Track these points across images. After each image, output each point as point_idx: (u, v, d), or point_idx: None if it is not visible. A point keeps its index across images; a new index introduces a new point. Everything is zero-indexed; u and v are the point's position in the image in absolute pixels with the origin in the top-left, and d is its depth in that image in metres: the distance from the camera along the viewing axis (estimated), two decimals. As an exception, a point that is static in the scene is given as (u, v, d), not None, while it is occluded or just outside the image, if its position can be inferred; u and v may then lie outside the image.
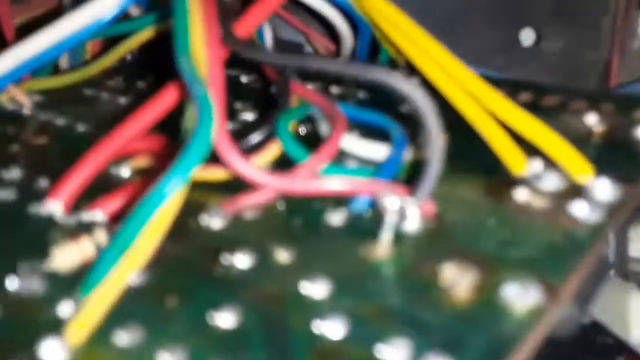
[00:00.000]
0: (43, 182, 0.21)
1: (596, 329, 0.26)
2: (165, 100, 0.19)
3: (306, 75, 0.24)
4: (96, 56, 0.30)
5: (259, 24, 0.21)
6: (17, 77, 0.23)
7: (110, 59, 0.27)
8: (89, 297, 0.14)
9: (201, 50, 0.17)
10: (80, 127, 0.25)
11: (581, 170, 0.18)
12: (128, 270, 0.14)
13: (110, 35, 0.28)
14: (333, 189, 0.16)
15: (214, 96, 0.17)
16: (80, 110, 0.26)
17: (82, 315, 0.14)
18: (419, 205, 0.16)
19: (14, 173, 0.21)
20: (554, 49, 0.37)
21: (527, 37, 0.37)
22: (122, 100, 0.27)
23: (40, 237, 0.18)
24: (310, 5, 0.27)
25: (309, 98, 0.21)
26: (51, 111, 0.26)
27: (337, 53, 0.31)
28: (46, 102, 0.27)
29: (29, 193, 0.20)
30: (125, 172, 0.21)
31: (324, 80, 0.26)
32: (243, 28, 0.19)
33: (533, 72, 0.37)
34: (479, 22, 0.36)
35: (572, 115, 0.23)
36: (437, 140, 0.15)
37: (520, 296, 0.14)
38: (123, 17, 0.25)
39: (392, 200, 0.16)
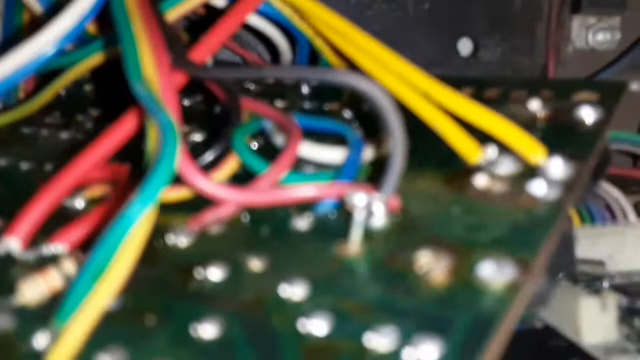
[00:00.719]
0: (-5, 222, 0.20)
1: (549, 332, 0.26)
2: (125, 127, 0.18)
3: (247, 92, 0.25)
4: (29, 94, 0.29)
5: (216, 50, 0.21)
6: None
7: (47, 95, 0.27)
8: (66, 325, 0.14)
9: (154, 75, 0.17)
10: (24, 165, 0.24)
11: (534, 151, 0.19)
12: (105, 295, 0.14)
13: (43, 71, 0.28)
14: (301, 196, 0.17)
15: (174, 117, 0.16)
16: (21, 149, 0.26)
17: (62, 344, 0.13)
18: (385, 201, 0.16)
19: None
20: (491, 57, 0.38)
21: (465, 47, 0.38)
22: (63, 135, 0.27)
23: (1, 274, 0.17)
24: (249, 23, 0.27)
25: (261, 111, 0.21)
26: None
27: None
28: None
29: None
30: (79, 202, 0.21)
31: (265, 95, 0.26)
32: (199, 54, 0.19)
33: None
34: (417, 34, 0.37)
35: (514, 104, 0.23)
36: (399, 136, 0.16)
37: (495, 274, 0.15)
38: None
39: (360, 198, 0.16)
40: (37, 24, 0.27)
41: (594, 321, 0.24)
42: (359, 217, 0.16)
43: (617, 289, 0.28)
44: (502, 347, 0.13)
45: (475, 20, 0.37)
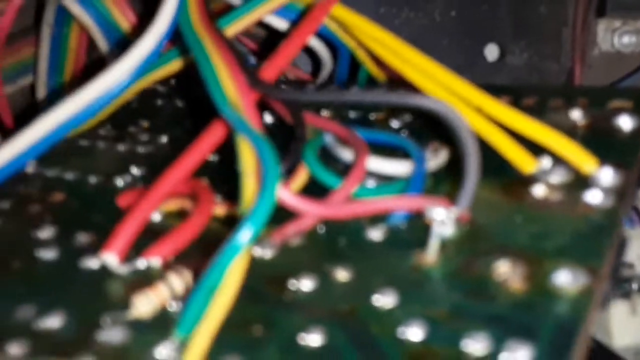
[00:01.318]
0: (81, 237, 0.21)
1: None
2: (211, 139, 0.20)
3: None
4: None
5: (284, 68, 0.22)
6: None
7: (107, 110, 0.28)
8: (191, 335, 0.15)
9: (236, 97, 0.19)
10: (92, 179, 0.25)
11: (586, 161, 0.20)
12: (222, 307, 0.15)
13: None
14: (381, 208, 0.18)
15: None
16: (83, 162, 0.27)
17: (192, 352, 0.15)
18: (461, 214, 0.18)
19: (47, 232, 0.22)
20: (518, 62, 0.40)
21: (492, 52, 0.40)
22: (120, 147, 0.28)
23: (101, 289, 0.18)
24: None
25: (325, 126, 0.22)
26: (54, 167, 0.27)
27: (314, 78, 0.32)
28: (44, 159, 0.27)
29: (70, 249, 0.21)
30: (155, 216, 0.22)
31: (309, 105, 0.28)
32: (268, 73, 0.21)
33: None
34: (445, 41, 0.38)
35: (554, 112, 0.25)
36: (474, 154, 0.17)
37: (570, 280, 0.16)
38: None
39: (438, 212, 0.17)
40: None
41: (623, 324, 0.25)
42: (437, 229, 0.18)
43: None
44: (584, 351, 0.15)
45: (501, 26, 0.38)
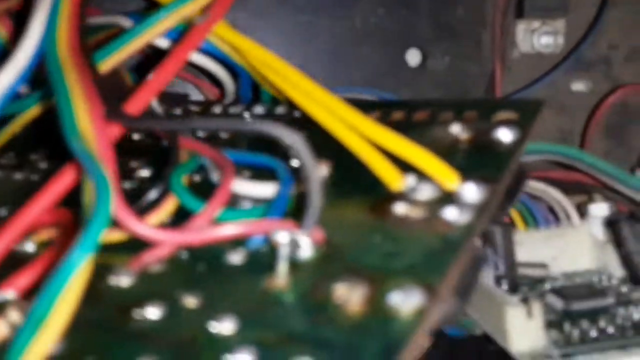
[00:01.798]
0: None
1: (487, 339, 0.28)
2: (64, 180, 0.20)
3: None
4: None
5: (152, 99, 0.22)
6: None
7: (1, 139, 0.28)
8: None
9: (88, 129, 0.19)
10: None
11: (448, 178, 0.20)
12: (47, 342, 0.15)
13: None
14: (229, 234, 0.18)
15: (107, 172, 0.18)
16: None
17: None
18: (308, 235, 0.18)
19: None
20: (440, 66, 0.40)
21: (413, 57, 0.40)
22: (18, 175, 0.28)
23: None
24: (192, 60, 0.28)
25: (197, 150, 0.22)
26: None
27: (222, 96, 0.32)
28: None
29: None
30: (29, 246, 0.22)
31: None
32: (136, 104, 0.21)
33: (422, 91, 0.40)
34: (366, 48, 0.38)
35: (439, 127, 0.25)
36: (315, 178, 0.17)
37: (403, 301, 0.16)
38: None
39: (283, 235, 0.17)
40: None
41: (520, 329, 0.25)
42: (283, 252, 0.17)
43: (555, 292, 0.30)
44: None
45: (421, 31, 0.38)
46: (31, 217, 0.19)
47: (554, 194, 0.35)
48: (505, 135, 0.23)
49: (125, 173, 0.26)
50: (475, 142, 0.23)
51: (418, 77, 0.40)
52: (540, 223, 0.34)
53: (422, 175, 0.21)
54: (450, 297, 0.17)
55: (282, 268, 0.18)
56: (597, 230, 0.33)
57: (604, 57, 0.41)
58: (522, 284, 0.30)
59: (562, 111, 0.41)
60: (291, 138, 0.16)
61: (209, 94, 0.35)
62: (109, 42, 0.25)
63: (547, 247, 0.33)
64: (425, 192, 0.20)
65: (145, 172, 0.26)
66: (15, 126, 0.28)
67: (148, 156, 0.27)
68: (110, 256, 0.20)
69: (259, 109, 0.29)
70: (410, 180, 0.21)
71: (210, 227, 0.19)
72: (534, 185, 0.34)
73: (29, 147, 0.30)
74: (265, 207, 0.20)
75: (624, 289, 0.30)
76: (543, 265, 0.32)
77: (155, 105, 0.28)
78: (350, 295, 0.17)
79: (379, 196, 0.21)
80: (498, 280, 0.29)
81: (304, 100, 0.23)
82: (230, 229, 0.18)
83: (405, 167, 0.21)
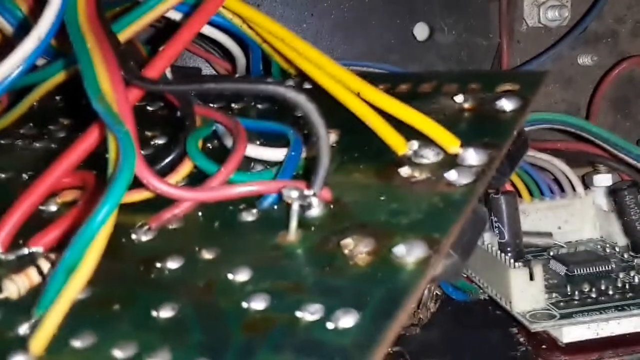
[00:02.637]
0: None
1: (492, 303, 0.29)
2: (90, 138, 0.21)
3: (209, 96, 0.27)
4: (4, 109, 0.31)
5: (168, 65, 0.23)
6: None
7: (20, 109, 0.29)
8: (45, 313, 0.16)
9: (109, 91, 0.20)
10: (2, 174, 0.26)
11: (450, 142, 0.21)
12: (76, 288, 0.17)
13: (18, 87, 0.30)
14: (243, 192, 0.19)
15: (130, 129, 0.19)
16: (-1, 160, 0.28)
17: (42, 329, 0.16)
18: (317, 194, 0.19)
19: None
20: (447, 40, 0.41)
21: (421, 31, 0.40)
22: (37, 144, 0.29)
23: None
24: (204, 33, 0.29)
25: (211, 116, 0.23)
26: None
27: (234, 71, 0.33)
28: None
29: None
30: (52, 206, 0.23)
31: (226, 98, 0.29)
32: (155, 69, 0.22)
33: (429, 64, 0.40)
34: (374, 21, 0.39)
35: (444, 97, 0.25)
36: (323, 137, 0.18)
37: (408, 253, 0.17)
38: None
39: (293, 194, 0.18)
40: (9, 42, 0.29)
41: (522, 291, 0.26)
42: (293, 209, 0.19)
43: (558, 258, 0.31)
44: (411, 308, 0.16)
45: (429, 5, 0.39)
46: (59, 174, 0.20)
47: (559, 165, 0.35)
48: (506, 104, 0.24)
49: (141, 141, 0.27)
50: (478, 111, 0.24)
51: (426, 50, 0.40)
52: (545, 194, 0.35)
53: (426, 141, 0.22)
54: (451, 253, 0.18)
55: (293, 224, 0.19)
56: (601, 200, 0.34)
57: (611, 31, 0.41)
58: (527, 252, 0.31)
59: (569, 84, 0.42)
60: (299, 98, 0.17)
61: (220, 68, 0.36)
62: (124, 14, 0.26)
63: (551, 217, 0.34)
64: (429, 156, 0.21)
65: (160, 140, 0.27)
66: (33, 97, 0.29)
67: (163, 126, 0.28)
68: (132, 215, 0.21)
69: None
70: (414, 145, 0.22)
71: (226, 186, 0.20)
72: (539, 156, 0.35)
73: (47, 118, 0.31)
74: (277, 170, 0.21)
75: (626, 255, 0.31)
76: (547, 234, 0.33)
77: (169, 76, 0.29)
78: (357, 248, 0.18)
79: (385, 160, 0.22)
80: (503, 247, 0.30)
81: (313, 71, 0.24)
82: (245, 188, 0.19)
83: (410, 134, 0.22)
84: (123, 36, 0.25)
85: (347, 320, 0.15)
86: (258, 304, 0.17)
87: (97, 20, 0.23)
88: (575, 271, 0.29)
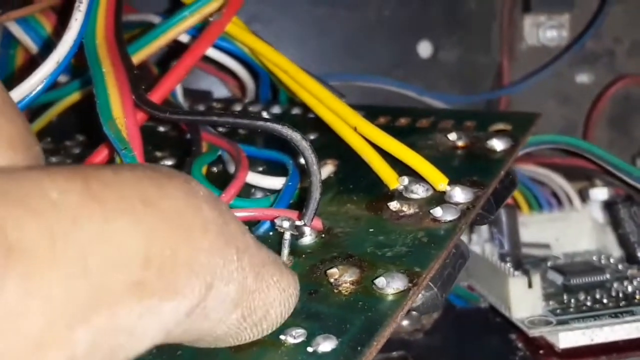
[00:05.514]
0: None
1: (492, 310, 0.30)
2: (97, 159, 0.22)
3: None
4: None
5: (171, 90, 0.24)
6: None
7: (40, 124, 0.30)
8: None
9: (121, 116, 0.21)
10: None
11: (439, 180, 0.22)
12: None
13: (38, 103, 0.31)
14: (239, 218, 0.20)
15: (135, 152, 0.20)
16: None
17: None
18: (308, 224, 0.20)
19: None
20: (450, 57, 0.42)
21: (425, 49, 0.42)
22: (53, 159, 0.31)
23: None
24: (214, 58, 0.31)
25: (216, 143, 0.24)
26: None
27: (244, 95, 0.35)
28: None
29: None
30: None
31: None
32: (158, 94, 0.23)
33: (432, 81, 0.42)
34: (379, 39, 0.41)
35: (440, 133, 0.27)
36: (315, 173, 0.19)
37: (388, 284, 0.18)
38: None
39: (285, 223, 0.20)
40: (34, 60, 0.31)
41: (521, 298, 0.28)
42: (286, 237, 0.20)
43: (556, 269, 0.32)
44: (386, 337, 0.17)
45: (433, 23, 0.40)
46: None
47: (557, 180, 0.36)
48: (497, 144, 0.25)
49: (151, 161, 0.28)
50: (470, 149, 0.25)
51: (429, 67, 0.42)
52: (544, 207, 0.36)
53: (416, 177, 0.23)
54: (431, 286, 0.20)
55: (285, 252, 0.20)
56: (597, 213, 0.35)
57: (608, 50, 0.42)
58: (526, 262, 0.33)
59: (567, 101, 0.43)
60: (294, 135, 0.19)
61: (232, 86, 0.38)
62: (139, 37, 0.27)
63: (549, 229, 0.35)
64: (419, 192, 0.22)
65: (169, 162, 0.28)
66: (52, 113, 0.30)
67: (173, 148, 0.29)
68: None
69: (276, 109, 0.32)
70: (405, 181, 0.23)
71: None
72: (538, 171, 0.37)
73: (65, 134, 0.33)
74: (274, 197, 0.23)
75: (620, 266, 0.32)
76: (546, 245, 0.34)
77: (181, 100, 0.30)
78: (342, 278, 0.19)
79: (377, 193, 0.23)
80: (503, 257, 0.32)
81: (314, 103, 0.26)
82: (241, 214, 0.20)
83: (405, 169, 0.23)
84: (137, 58, 0.27)
85: (326, 345, 0.17)
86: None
87: (114, 44, 0.24)
88: (572, 281, 0.30)
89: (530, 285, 0.28)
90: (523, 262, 0.32)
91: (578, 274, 0.31)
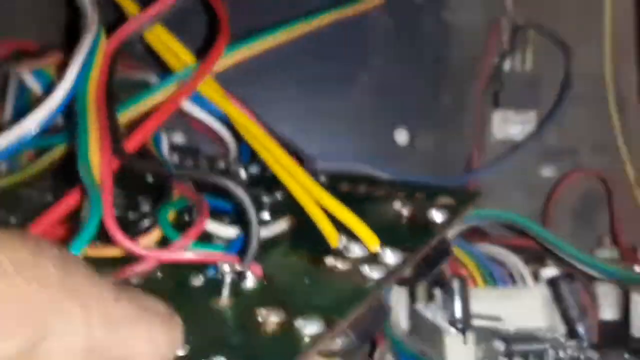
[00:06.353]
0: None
1: None
2: (67, 202, 0.26)
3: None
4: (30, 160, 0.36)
5: (145, 140, 0.28)
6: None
7: (36, 168, 0.34)
8: None
9: (97, 161, 0.25)
10: (12, 219, 0.31)
11: (371, 241, 0.25)
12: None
13: (40, 146, 0.35)
14: (184, 258, 0.23)
15: (105, 196, 0.23)
16: (12, 206, 0.33)
17: None
18: (247, 268, 0.23)
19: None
20: (425, 146, 0.45)
21: (402, 136, 0.45)
22: (49, 197, 0.34)
23: None
24: (199, 118, 0.34)
25: (183, 193, 0.28)
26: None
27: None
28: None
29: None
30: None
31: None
32: (130, 145, 0.27)
33: (408, 166, 0.45)
34: (359, 125, 0.44)
35: (390, 203, 0.30)
36: (254, 223, 0.22)
37: (305, 326, 0.21)
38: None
39: (225, 267, 0.23)
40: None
41: (457, 355, 0.30)
42: (226, 279, 0.23)
43: (501, 337, 0.34)
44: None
45: (409, 113, 0.44)
46: (39, 229, 0.25)
47: (511, 258, 0.39)
48: (437, 216, 0.28)
49: (132, 206, 0.31)
50: (413, 219, 0.28)
51: (405, 154, 0.45)
52: (499, 282, 0.38)
53: (355, 238, 0.26)
54: (351, 334, 0.22)
55: (225, 292, 0.23)
56: (548, 291, 0.37)
57: (571, 147, 0.45)
58: (476, 332, 0.35)
59: (532, 194, 0.46)
60: (237, 190, 0.22)
61: (222, 149, 0.41)
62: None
63: (502, 304, 0.37)
64: (355, 251, 0.25)
65: (146, 207, 0.31)
66: (49, 158, 0.34)
67: (154, 194, 0.33)
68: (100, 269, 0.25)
69: (253, 168, 0.35)
70: (343, 240, 0.26)
71: (177, 251, 0.24)
72: (495, 250, 0.39)
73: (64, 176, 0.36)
74: (227, 245, 0.26)
75: (562, 340, 0.34)
76: (497, 318, 0.37)
77: (166, 153, 0.33)
78: (269, 318, 0.22)
79: (321, 250, 0.26)
80: (453, 324, 0.33)
81: (273, 164, 0.29)
82: (187, 255, 0.23)
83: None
84: (129, 115, 0.30)
85: (240, 374, 0.20)
86: (181, 351, 0.21)
87: (104, 96, 0.27)
88: (512, 347, 0.33)
89: (465, 342, 0.30)
90: (471, 329, 0.35)
91: (520, 341, 0.33)
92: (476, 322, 0.35)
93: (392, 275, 0.24)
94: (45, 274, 0.17)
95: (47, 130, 0.29)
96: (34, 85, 0.35)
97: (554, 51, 0.44)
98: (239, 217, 0.28)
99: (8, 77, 0.37)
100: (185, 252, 0.24)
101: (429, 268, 0.27)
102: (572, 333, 0.35)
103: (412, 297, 0.36)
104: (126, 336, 0.18)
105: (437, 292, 0.36)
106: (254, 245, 0.23)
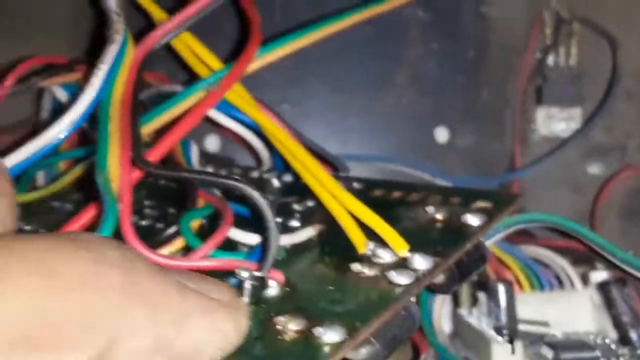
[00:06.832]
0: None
1: None
2: (85, 216, 0.25)
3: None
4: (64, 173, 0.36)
5: (170, 149, 0.27)
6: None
7: (66, 180, 0.34)
8: None
9: (116, 170, 0.24)
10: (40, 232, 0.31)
11: (400, 246, 0.24)
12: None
13: (73, 157, 0.35)
14: (204, 266, 0.23)
15: (123, 205, 0.23)
16: (44, 220, 0.33)
17: None
18: (266, 275, 0.22)
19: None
20: (465, 143, 0.44)
21: (441, 135, 0.44)
22: (77, 209, 0.34)
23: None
24: (231, 128, 0.33)
25: (208, 200, 0.27)
26: (20, 221, 0.32)
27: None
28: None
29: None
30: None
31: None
32: (154, 154, 0.26)
33: (448, 165, 0.43)
34: (399, 125, 0.43)
35: (425, 207, 0.28)
36: (273, 229, 0.21)
37: (326, 334, 0.20)
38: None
39: (244, 274, 0.22)
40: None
41: None
42: (245, 287, 0.22)
43: (549, 344, 0.32)
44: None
45: (449, 111, 0.42)
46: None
47: (558, 261, 0.37)
48: (472, 220, 0.27)
49: (162, 216, 0.31)
50: (447, 223, 0.27)
51: (445, 152, 0.44)
52: (545, 286, 0.37)
53: (383, 243, 0.25)
54: (376, 343, 0.21)
55: (245, 299, 0.22)
56: (597, 295, 0.35)
57: (619, 144, 0.43)
58: (525, 338, 0.33)
59: (577, 191, 0.44)
60: (253, 194, 0.21)
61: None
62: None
63: (550, 308, 0.36)
64: (384, 256, 0.24)
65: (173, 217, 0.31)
66: (79, 169, 0.34)
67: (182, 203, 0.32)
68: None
69: (287, 177, 0.34)
70: (371, 245, 0.25)
71: (199, 259, 0.24)
72: (541, 252, 0.38)
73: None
74: (249, 252, 0.25)
75: (614, 346, 0.32)
76: (544, 323, 0.35)
77: (195, 162, 0.33)
78: (288, 326, 0.21)
79: (348, 256, 0.25)
80: (498, 331, 0.32)
81: (302, 171, 0.28)
82: (205, 263, 0.23)
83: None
84: (154, 125, 0.30)
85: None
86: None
87: (129, 104, 0.27)
88: (562, 355, 0.31)
89: (513, 352, 0.29)
90: (518, 336, 0.33)
91: (569, 349, 0.31)
92: (522, 327, 0.33)
93: (422, 282, 0.23)
94: (108, 282, 0.17)
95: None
96: (65, 99, 0.35)
97: (600, 44, 0.42)
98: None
99: (43, 91, 0.37)
100: (204, 260, 0.23)
101: (462, 275, 0.25)
102: (624, 340, 0.33)
103: (455, 302, 0.35)
104: (192, 329, 0.18)
105: (482, 296, 0.34)
106: (272, 252, 0.22)
